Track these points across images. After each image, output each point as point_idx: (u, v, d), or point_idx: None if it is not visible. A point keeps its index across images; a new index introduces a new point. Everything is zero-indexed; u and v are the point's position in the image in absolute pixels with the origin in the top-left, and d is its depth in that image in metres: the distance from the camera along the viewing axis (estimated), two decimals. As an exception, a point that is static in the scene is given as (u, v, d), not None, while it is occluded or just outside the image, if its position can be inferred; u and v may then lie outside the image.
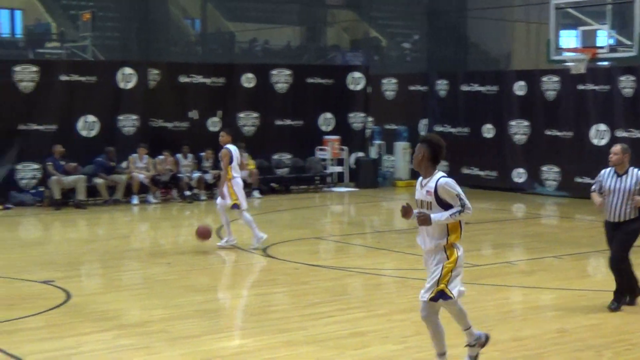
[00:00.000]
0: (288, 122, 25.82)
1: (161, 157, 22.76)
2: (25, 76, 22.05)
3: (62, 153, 21.30)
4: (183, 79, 24.29)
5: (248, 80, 25.16)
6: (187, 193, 22.63)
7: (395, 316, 10.30)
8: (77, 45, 30.12)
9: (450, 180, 7.37)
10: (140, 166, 22.28)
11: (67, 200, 21.26)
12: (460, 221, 7.38)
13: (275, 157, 25.63)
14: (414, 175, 25.17)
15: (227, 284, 13.11)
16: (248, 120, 25.24)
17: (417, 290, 7.90)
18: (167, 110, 24.00)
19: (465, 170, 25.86)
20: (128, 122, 23.35)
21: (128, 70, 23.31)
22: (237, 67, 25.81)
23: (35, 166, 21.81)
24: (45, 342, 9.07)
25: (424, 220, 7.30)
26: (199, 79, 24.52)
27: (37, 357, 8.37)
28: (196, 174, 22.97)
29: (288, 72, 25.86)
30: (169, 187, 23.00)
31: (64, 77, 22.57)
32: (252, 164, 23.85)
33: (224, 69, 25.36)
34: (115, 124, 23.10)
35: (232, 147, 15.21)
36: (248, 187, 23.69)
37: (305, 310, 10.70)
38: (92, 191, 21.82)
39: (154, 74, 23.74)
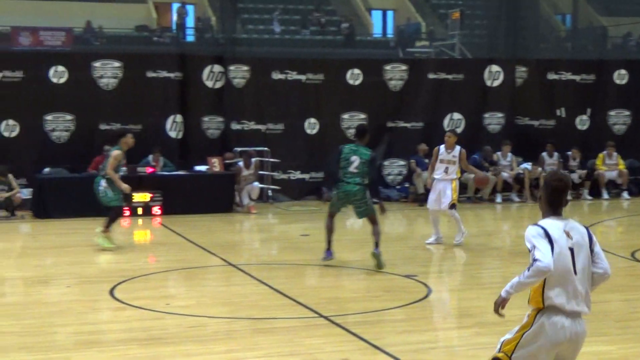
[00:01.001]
0: (662, 120, 24.46)
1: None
2: (395, 74, 22.71)
3: (425, 151, 21.66)
4: (551, 76, 23.81)
5: (620, 76, 24.13)
6: (552, 192, 22.09)
7: None
8: (446, 43, 30.53)
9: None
10: (504, 164, 22.10)
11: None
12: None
13: (648, 157, 24.36)
14: None
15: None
16: (619, 119, 24.21)
17: None
18: (533, 108, 23.66)
19: None
20: (494, 120, 23.29)
21: (495, 68, 23.24)
22: (609, 63, 24.82)
23: (402, 162, 22.36)
24: (406, 334, 9.19)
25: None
26: (567, 75, 23.90)
27: (398, 349, 8.48)
28: (562, 173, 22.36)
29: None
30: (533, 187, 22.62)
31: (431, 75, 22.97)
32: (622, 164, 22.83)
33: (594, 65, 24.50)
34: (481, 122, 23.13)
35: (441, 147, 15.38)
36: (617, 187, 22.75)
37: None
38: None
39: (521, 72, 23.48)
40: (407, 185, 22.15)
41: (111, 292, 11.11)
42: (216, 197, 19.81)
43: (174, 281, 12.47)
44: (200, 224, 17.82)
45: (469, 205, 21.27)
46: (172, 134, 21.45)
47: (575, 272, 5.58)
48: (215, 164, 20.39)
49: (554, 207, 5.85)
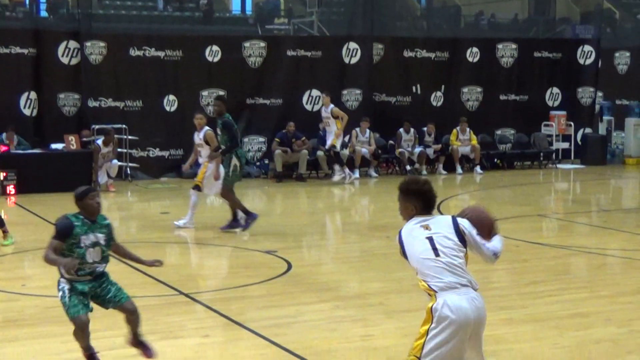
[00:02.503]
0: (512, 97, 25.34)
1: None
2: (254, 51, 22.73)
3: (292, 130, 21.81)
4: (407, 54, 24.30)
5: (473, 54, 24.84)
6: (408, 168, 22.63)
7: (619, 298, 9.86)
8: (304, 21, 30.66)
9: None
10: (362, 140, 22.46)
11: (289, 173, 21.77)
12: None
13: (499, 132, 25.22)
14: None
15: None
16: (472, 95, 24.95)
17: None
18: (390, 85, 24.10)
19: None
20: (352, 97, 23.61)
21: (353, 45, 23.54)
22: (462, 41, 25.51)
23: (261, 139, 22.46)
24: (266, 309, 9.29)
25: None
26: (423, 53, 24.44)
27: (259, 324, 8.57)
28: (418, 149, 22.91)
29: (514, 46, 25.33)
30: (390, 162, 23.12)
31: (290, 52, 23.09)
32: (474, 140, 23.54)
33: (448, 43, 25.13)
34: (340, 99, 23.42)
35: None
36: (470, 162, 23.46)
37: (525, 288, 10.44)
38: (313, 164, 22.25)
39: (378, 49, 23.86)
40: (266, 161, 22.25)
41: (-36, 275, 10.82)
42: (73, 176, 19.37)
43: (30, 262, 12.22)
44: (58, 203, 17.44)
45: (327, 181, 21.54)
46: (27, 112, 20.91)
47: (437, 255, 5.61)
48: (72, 142, 20.00)
49: (427, 209, 5.85)
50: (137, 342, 7.32)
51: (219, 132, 14.00)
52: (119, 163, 20.37)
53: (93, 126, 20.73)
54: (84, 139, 20.35)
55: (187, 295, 9.73)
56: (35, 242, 13.25)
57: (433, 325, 5.49)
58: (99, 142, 19.80)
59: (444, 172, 23.06)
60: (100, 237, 7.06)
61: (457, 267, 5.61)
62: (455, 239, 5.69)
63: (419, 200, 5.83)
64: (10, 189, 18.61)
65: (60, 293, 6.97)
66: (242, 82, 22.61)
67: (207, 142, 14.28)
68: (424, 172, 22.68)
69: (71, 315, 6.87)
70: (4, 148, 19.28)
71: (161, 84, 21.97)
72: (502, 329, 8.50)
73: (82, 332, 6.89)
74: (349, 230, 15.06)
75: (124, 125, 20.97)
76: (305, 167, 21.93)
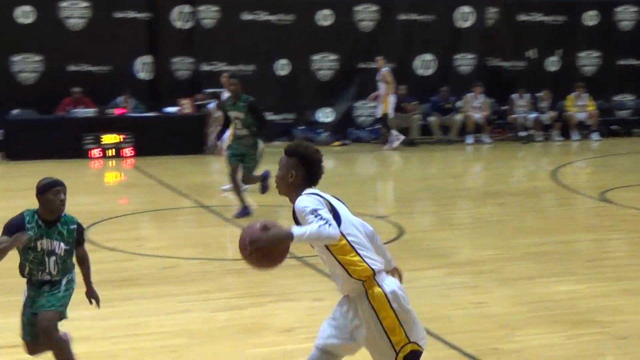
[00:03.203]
0: (632, 61, 24.54)
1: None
2: (366, 15, 22.57)
3: (405, 94, 21.65)
4: (522, 17, 23.76)
5: (590, 18, 24.15)
6: (522, 134, 22.22)
7: None
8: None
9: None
10: (475, 105, 22.14)
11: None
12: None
13: (617, 98, 24.48)
14: None
15: (561, 227, 12.65)
16: (589, 60, 24.28)
17: None
18: (504, 50, 23.66)
19: None
20: (464, 61, 23.27)
21: (466, 9, 23.15)
22: (579, 4, 24.79)
23: (372, 104, 22.37)
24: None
25: None
26: (538, 16, 23.86)
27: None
28: (532, 115, 22.47)
29: (634, 9, 24.51)
30: (503, 128, 22.75)
31: (402, 17, 22.84)
32: (592, 105, 22.94)
33: (565, 6, 24.46)
34: (452, 63, 23.11)
35: None
36: (587, 129, 22.90)
37: (644, 259, 10.14)
38: (425, 129, 22.06)
39: (492, 12, 23.41)
40: (378, 126, 22.15)
41: (83, 234, 11.07)
42: (187, 139, 19.72)
43: (146, 223, 12.46)
44: (172, 166, 17.77)
45: (439, 146, 21.34)
46: (142, 76, 21.26)
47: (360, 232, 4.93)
48: (186, 106, 20.27)
49: (314, 180, 4.98)
50: None
51: (238, 113, 12.99)
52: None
53: (206, 90, 20.95)
54: (197, 103, 20.59)
55: (300, 259, 9.75)
56: (151, 204, 13.52)
57: (395, 305, 4.77)
58: (212, 106, 20.00)
59: (560, 138, 22.56)
60: (57, 245, 5.85)
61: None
62: None
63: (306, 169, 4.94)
64: (128, 151, 18.99)
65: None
66: (354, 47, 22.50)
67: None
68: (539, 138, 22.25)
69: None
70: (121, 111, 19.68)
71: (273, 48, 22.02)
72: (619, 300, 8.27)
73: None
74: (461, 196, 14.87)
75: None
76: (417, 132, 21.77)
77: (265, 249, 4.61)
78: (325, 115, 22.41)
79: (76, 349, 6.79)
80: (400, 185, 16.18)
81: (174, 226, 12.05)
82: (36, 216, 5.80)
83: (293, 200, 4.85)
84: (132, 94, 20.14)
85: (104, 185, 16.64)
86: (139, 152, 18.92)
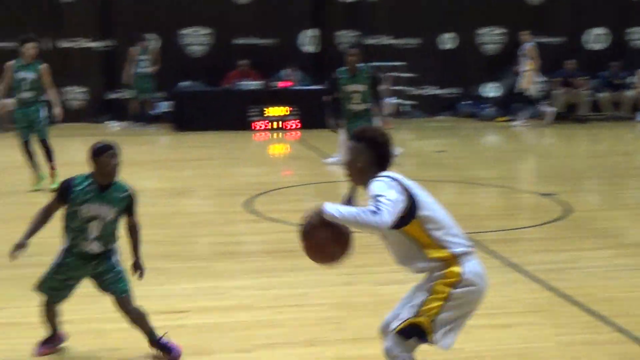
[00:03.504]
0: None
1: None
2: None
3: (573, 69, 21.06)
4: (701, -12, 22.70)
5: None
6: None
7: None
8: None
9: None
10: (651, 81, 21.32)
11: (568, 114, 21.06)
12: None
13: None
14: None
15: None
16: None
17: None
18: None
19: None
20: (637, 35, 22.41)
21: (641, -20, 22.29)
22: None
23: (544, 78, 21.84)
24: (543, 254, 9.02)
25: None
26: None
27: (534, 268, 8.33)
28: None
29: None
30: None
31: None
32: None
33: None
34: (624, 37, 22.29)
35: None
36: None
37: None
38: (595, 106, 21.39)
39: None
40: (547, 102, 21.63)
41: (247, 205, 11.28)
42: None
43: (310, 195, 12.57)
44: (336, 139, 17.85)
45: (609, 123, 20.65)
46: (307, 48, 21.44)
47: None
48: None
49: (383, 166, 4.76)
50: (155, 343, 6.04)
51: (357, 86, 12.85)
52: (395, 101, 20.47)
53: (369, 63, 20.94)
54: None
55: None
56: (315, 177, 13.64)
57: (458, 290, 4.58)
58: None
59: None
60: (106, 210, 5.73)
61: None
62: None
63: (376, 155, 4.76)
64: (292, 124, 19.21)
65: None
66: (521, 19, 21.98)
67: None
68: None
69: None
70: (286, 84, 19.90)
71: (439, 21, 21.78)
72: None
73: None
74: (632, 175, 14.34)
75: (401, 63, 21.03)
76: (587, 108, 21.13)
77: (305, 235, 4.65)
78: (491, 90, 22.02)
79: (240, 317, 6.92)
80: (568, 162, 15.73)
81: (338, 199, 12.08)
82: (91, 179, 5.70)
83: (365, 186, 4.68)
84: (297, 67, 20.34)
85: (268, 157, 16.90)
86: (304, 124, 19.11)
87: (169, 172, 14.19)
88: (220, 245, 9.33)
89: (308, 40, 21.46)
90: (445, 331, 4.63)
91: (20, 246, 5.64)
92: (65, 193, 5.65)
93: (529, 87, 20.33)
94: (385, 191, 4.49)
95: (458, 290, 4.58)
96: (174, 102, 19.83)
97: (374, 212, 4.39)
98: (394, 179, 4.61)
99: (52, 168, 12.17)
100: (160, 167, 14.80)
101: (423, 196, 4.66)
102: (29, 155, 12.20)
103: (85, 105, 20.85)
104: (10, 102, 12.45)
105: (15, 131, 12.40)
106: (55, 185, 11.99)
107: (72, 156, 15.84)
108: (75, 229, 5.71)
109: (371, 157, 4.74)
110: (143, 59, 19.35)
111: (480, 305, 4.76)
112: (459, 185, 12.99)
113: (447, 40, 21.85)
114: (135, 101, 19.37)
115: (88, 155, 5.68)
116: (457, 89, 21.77)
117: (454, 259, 4.61)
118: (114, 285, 5.83)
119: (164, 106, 20.20)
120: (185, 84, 20.36)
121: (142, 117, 19.60)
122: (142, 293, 7.50)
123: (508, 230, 10.07)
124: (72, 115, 20.44)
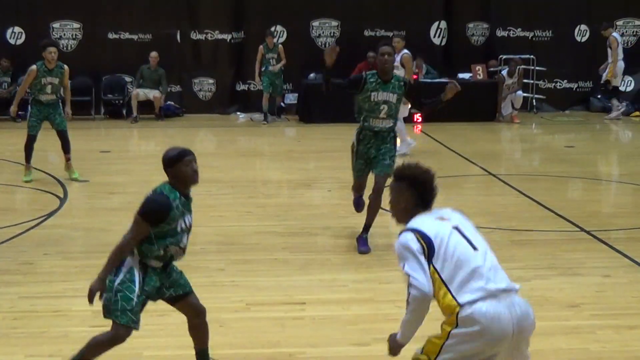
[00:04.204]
0: None
1: None
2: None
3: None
4: None
5: None
6: None
7: None
8: None
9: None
10: None
11: None
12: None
13: None
14: None
15: None
16: None
17: None
18: None
19: None
20: None
21: None
22: None
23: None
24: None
25: None
26: None
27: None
28: None
29: None
30: None
31: None
32: None
33: None
34: None
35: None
36: None
37: None
38: None
39: None
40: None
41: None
42: (478, 106, 19.51)
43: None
44: (461, 132, 17.66)
45: None
46: (436, 41, 21.26)
47: (474, 248, 4.47)
48: (479, 72, 20.06)
49: (425, 203, 4.68)
50: None
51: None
52: (524, 94, 20.10)
53: (500, 56, 20.63)
54: (491, 69, 20.30)
55: (588, 232, 9.38)
56: (439, 170, 13.47)
57: (456, 329, 4.35)
58: (504, 72, 19.64)
59: None
60: (190, 221, 5.33)
61: (496, 265, 4.51)
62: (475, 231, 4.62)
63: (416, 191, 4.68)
64: (416, 116, 19.07)
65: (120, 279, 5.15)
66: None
67: (402, 66, 14.03)
68: None
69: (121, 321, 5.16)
70: (413, 76, 19.77)
71: (572, 12, 21.25)
72: None
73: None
74: None
75: (531, 56, 20.62)
76: None
77: None
78: (626, 84, 21.34)
79: (359, 310, 6.91)
80: None
81: (461, 193, 11.94)
82: (176, 192, 5.18)
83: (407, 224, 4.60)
84: (425, 59, 20.18)
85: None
86: (428, 117, 18.94)
87: (293, 164, 14.29)
88: (341, 238, 9.32)
89: (437, 33, 21.27)
90: None
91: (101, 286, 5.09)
92: (163, 215, 5.12)
93: (611, 79, 19.69)
94: (407, 254, 4.44)
95: (457, 330, 4.35)
96: (300, 94, 19.98)
97: (413, 294, 4.37)
98: (416, 231, 4.48)
99: (68, 160, 12.41)
100: (285, 159, 14.91)
101: (445, 241, 4.46)
102: (31, 151, 12.30)
103: (214, 97, 21.17)
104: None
105: (28, 123, 12.33)
106: (76, 175, 12.36)
107: (202, 147, 16.19)
108: (169, 246, 5.21)
109: (414, 196, 4.67)
110: (270, 57, 19.53)
111: (501, 347, 4.34)
112: (586, 181, 12.66)
113: (582, 32, 21.29)
114: (266, 95, 19.54)
115: (164, 165, 5.24)
116: (590, 83, 21.20)
117: (456, 313, 4.36)
118: (183, 278, 5.46)
119: (291, 98, 20.38)
120: (312, 76, 20.46)
121: (271, 110, 19.79)
122: (262, 284, 7.58)
123: (636, 228, 9.75)
124: (202, 106, 20.85)
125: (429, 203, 4.69)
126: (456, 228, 4.53)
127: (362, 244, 8.69)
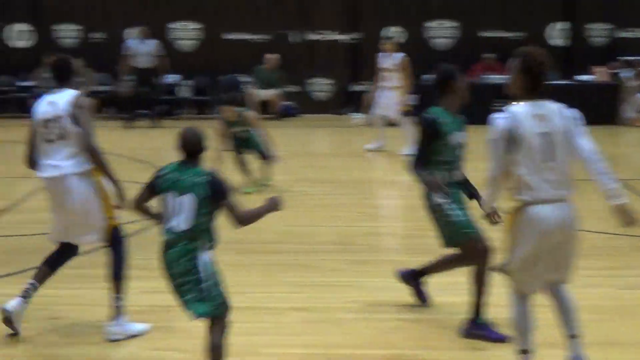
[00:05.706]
0: None
1: None
2: None
3: None
4: None
5: None
6: None
7: None
8: None
9: None
10: None
11: None
12: None
13: None
14: None
15: None
16: None
17: None
18: None
19: None
20: None
21: None
22: None
23: None
24: None
25: None
26: None
27: None
28: None
29: None
30: None
31: None
32: None
33: None
34: None
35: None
36: None
37: None
38: None
39: None
40: None
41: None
42: (599, 108, 19.07)
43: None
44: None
45: None
46: (556, 42, 20.89)
47: (553, 159, 5.18)
48: (600, 74, 19.61)
49: (531, 89, 5.19)
50: None
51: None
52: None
53: (621, 58, 20.16)
54: (612, 71, 19.84)
55: None
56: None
57: (517, 219, 5.10)
58: (627, 74, 19.16)
59: None
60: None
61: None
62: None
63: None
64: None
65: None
66: None
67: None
68: None
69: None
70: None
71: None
72: None
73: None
74: None
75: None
76: None
77: None
78: None
79: (417, 313, 6.79)
80: None
81: (586, 197, 11.64)
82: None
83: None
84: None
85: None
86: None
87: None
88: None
89: (557, 34, 20.90)
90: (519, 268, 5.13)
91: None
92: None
93: None
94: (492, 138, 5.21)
95: (517, 219, 5.06)
96: (418, 95, 19.88)
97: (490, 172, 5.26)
98: (502, 122, 5.09)
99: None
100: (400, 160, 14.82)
101: (526, 138, 5.01)
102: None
103: (330, 97, 21.27)
104: None
105: None
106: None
107: (319, 147, 16.24)
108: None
109: (524, 79, 5.14)
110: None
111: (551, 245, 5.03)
112: None
113: None
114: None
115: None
116: None
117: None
118: None
119: (410, 99, 20.30)
120: (428, 76, 20.33)
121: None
122: (378, 285, 7.56)
123: None
124: (318, 107, 20.98)
125: (533, 90, 5.25)
126: (545, 133, 5.23)
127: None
